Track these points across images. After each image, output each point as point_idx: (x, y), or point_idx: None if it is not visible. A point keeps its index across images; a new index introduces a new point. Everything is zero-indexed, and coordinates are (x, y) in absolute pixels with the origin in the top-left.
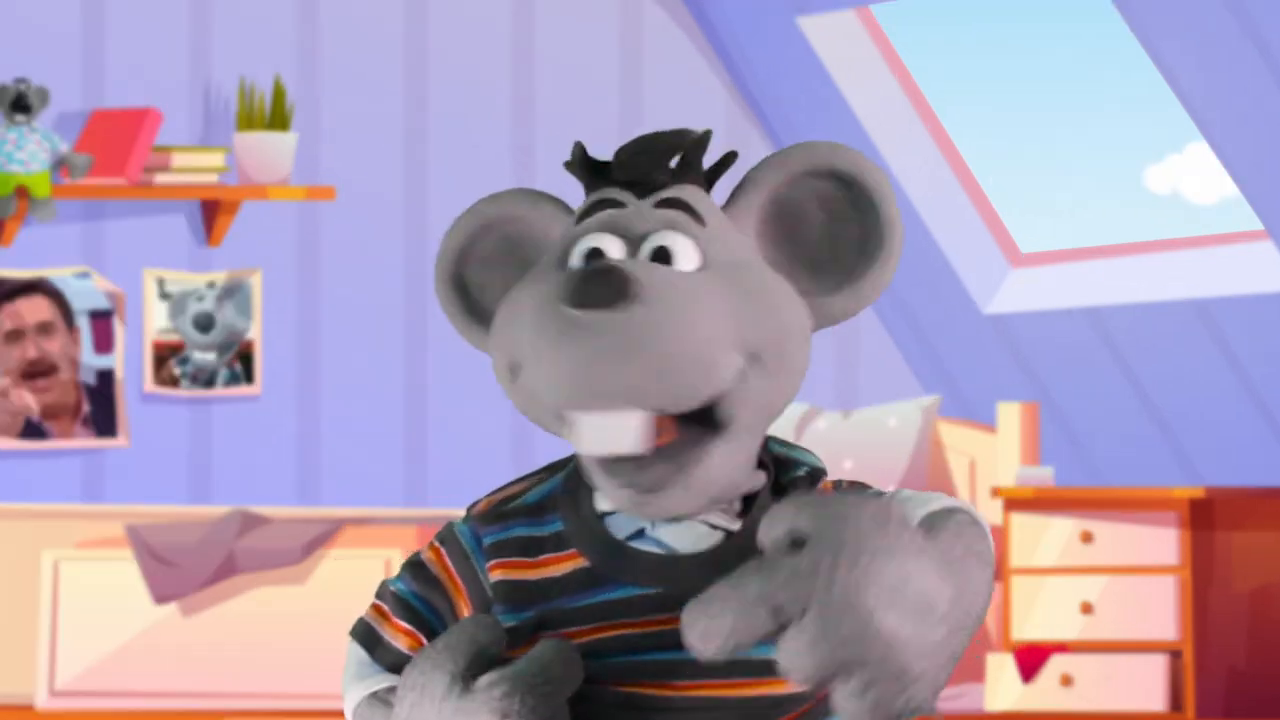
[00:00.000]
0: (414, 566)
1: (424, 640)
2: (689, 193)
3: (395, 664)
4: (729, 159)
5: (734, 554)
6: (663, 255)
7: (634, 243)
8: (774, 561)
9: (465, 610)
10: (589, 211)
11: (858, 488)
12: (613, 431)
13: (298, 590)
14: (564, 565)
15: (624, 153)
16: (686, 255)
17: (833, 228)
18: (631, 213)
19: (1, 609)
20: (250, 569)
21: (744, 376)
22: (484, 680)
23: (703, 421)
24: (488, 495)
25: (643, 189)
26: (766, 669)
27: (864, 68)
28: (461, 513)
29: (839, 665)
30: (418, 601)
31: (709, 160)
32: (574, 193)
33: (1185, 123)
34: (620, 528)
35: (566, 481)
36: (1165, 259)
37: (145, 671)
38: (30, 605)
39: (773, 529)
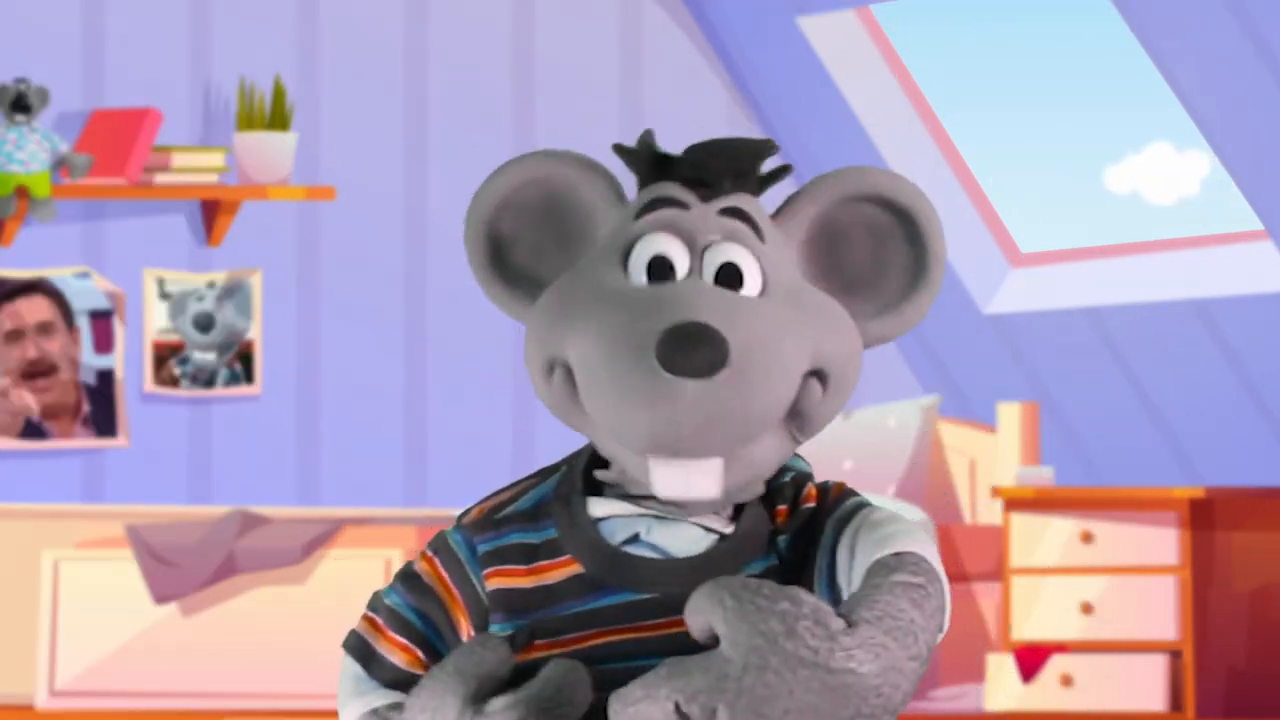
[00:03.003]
0: (407, 578)
1: (420, 654)
2: (748, 203)
3: (393, 679)
4: (783, 172)
5: (728, 557)
6: (728, 272)
7: (697, 251)
8: (687, 665)
9: (462, 620)
10: (649, 207)
11: (843, 493)
12: (694, 480)
13: (298, 590)
14: (559, 572)
15: (696, 152)
16: (751, 275)
17: (877, 253)
18: (695, 216)
19: (1, 609)
20: (250, 569)
21: (807, 386)
22: (497, 704)
23: None
24: (479, 503)
25: (706, 192)
26: None
27: (864, 68)
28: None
29: None
30: (413, 614)
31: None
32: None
33: (1145, 123)
34: (614, 533)
35: (559, 486)
36: (1165, 259)
37: (145, 671)
38: (30, 605)
39: (694, 621)
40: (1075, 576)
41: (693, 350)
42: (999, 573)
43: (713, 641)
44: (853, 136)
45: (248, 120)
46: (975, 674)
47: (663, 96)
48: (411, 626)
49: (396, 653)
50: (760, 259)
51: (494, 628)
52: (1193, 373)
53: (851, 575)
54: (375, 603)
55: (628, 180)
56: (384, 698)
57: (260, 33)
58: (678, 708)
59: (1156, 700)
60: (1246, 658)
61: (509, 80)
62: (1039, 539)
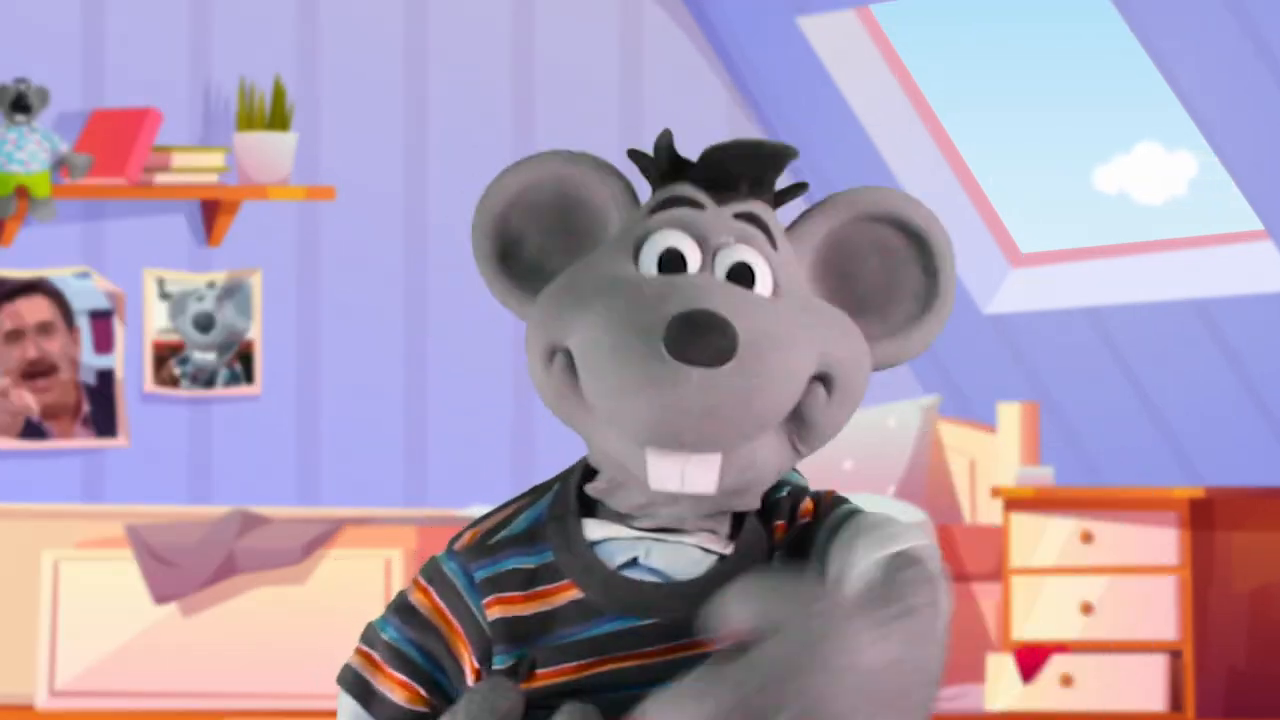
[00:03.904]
0: (403, 610)
1: (422, 691)
2: (763, 210)
3: (393, 717)
4: (799, 189)
5: (728, 578)
6: (740, 272)
7: (709, 250)
8: (741, 667)
9: (464, 652)
10: (662, 205)
11: (834, 500)
12: (690, 474)
13: (298, 590)
14: (558, 597)
15: (715, 153)
16: (763, 276)
17: (888, 276)
18: (709, 216)
19: (1, 609)
20: (250, 569)
21: (811, 390)
22: None
23: None
24: (470, 526)
25: (721, 196)
26: None
27: (864, 68)
28: (460, 513)
29: None
30: (412, 649)
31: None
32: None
33: (1133, 123)
34: (613, 556)
35: (553, 507)
36: (1165, 259)
37: (145, 671)
38: (30, 605)
39: (735, 621)
40: (1075, 576)
41: (702, 337)
42: (999, 573)
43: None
44: (853, 136)
45: (248, 120)
46: (975, 674)
47: (663, 96)
48: (412, 662)
49: (396, 690)
50: (772, 264)
51: (496, 659)
52: (1193, 373)
53: (847, 571)
54: (371, 636)
55: (642, 188)
56: None
57: (260, 33)
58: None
59: (1156, 700)
60: (1246, 658)
61: (509, 80)
62: (1039, 539)
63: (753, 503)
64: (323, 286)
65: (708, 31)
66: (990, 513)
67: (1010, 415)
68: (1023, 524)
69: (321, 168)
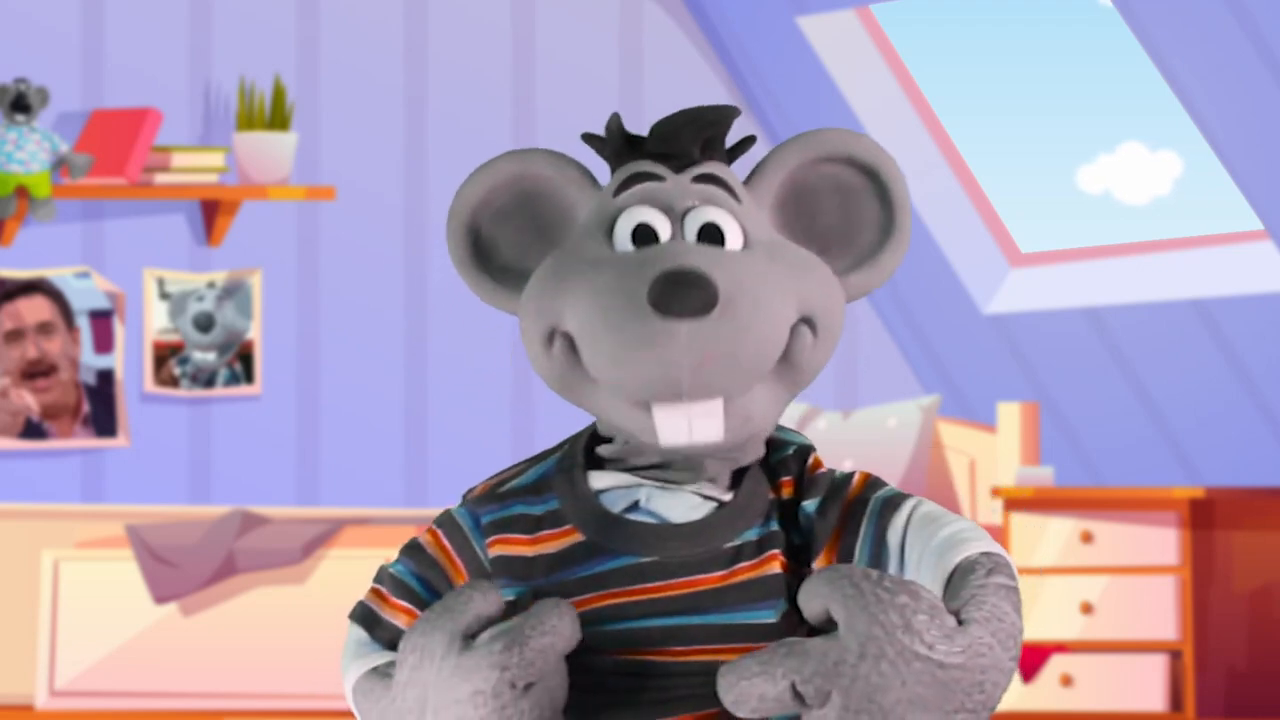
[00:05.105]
0: (411, 549)
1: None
2: (721, 169)
3: (394, 641)
4: (748, 142)
5: (726, 522)
6: (710, 232)
7: (677, 217)
8: (804, 647)
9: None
10: (625, 184)
11: (875, 481)
12: (697, 424)
13: (298, 590)
14: (561, 541)
15: (664, 126)
16: (732, 233)
17: (847, 210)
18: (671, 186)
19: (1, 609)
20: (250, 569)
21: (797, 334)
22: (483, 636)
23: None
24: (484, 481)
25: (677, 164)
26: (764, 633)
27: (864, 68)
28: None
29: None
30: (415, 580)
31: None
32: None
33: (1117, 122)
34: (614, 502)
35: (560, 463)
36: (1165, 259)
37: (145, 671)
38: (30, 605)
39: (810, 604)
40: (1075, 576)
41: (684, 292)
42: None
43: (826, 625)
44: None
45: (248, 120)
46: None
47: (663, 96)
48: (413, 591)
49: (399, 616)
50: (739, 218)
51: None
52: (1193, 373)
53: (907, 562)
54: (380, 574)
55: (597, 169)
56: (384, 657)
57: (260, 33)
58: (793, 687)
59: (1156, 700)
60: (1246, 658)
61: (509, 80)
62: (1039, 539)
63: (756, 452)
64: (323, 286)
65: (708, 31)
66: (990, 513)
67: (1010, 415)
68: (1023, 524)
69: (321, 168)
